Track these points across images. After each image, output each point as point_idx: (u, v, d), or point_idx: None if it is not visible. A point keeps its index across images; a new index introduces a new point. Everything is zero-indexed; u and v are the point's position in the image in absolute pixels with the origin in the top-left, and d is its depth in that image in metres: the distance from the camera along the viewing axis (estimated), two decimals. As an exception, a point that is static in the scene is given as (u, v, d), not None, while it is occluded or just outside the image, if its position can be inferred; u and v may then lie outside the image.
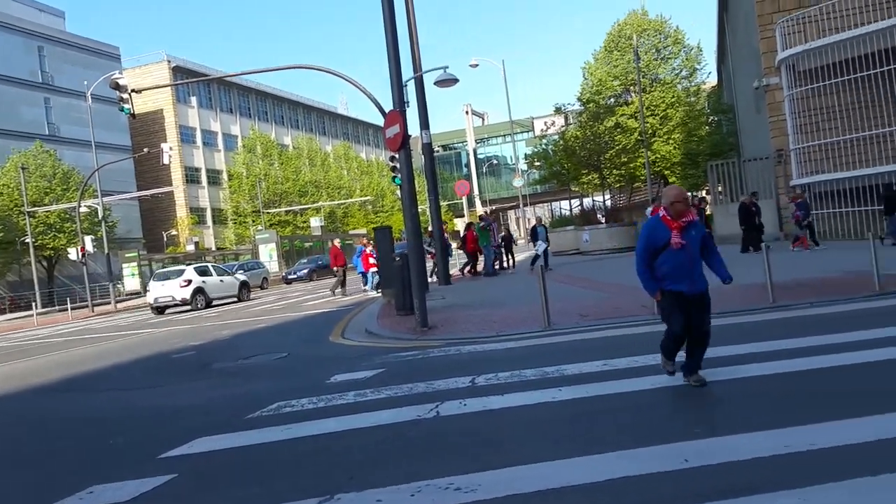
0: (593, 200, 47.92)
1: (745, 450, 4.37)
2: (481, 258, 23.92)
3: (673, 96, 43.42)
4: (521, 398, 6.43)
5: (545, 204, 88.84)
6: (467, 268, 24.73)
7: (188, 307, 26.02)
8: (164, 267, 36.20)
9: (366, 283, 24.29)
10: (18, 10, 54.11)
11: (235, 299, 28.51)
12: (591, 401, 6.15)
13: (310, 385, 8.27)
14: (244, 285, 29.57)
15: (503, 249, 25.70)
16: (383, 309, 16.27)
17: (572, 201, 54.80)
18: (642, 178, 42.73)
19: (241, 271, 35.88)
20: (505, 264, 25.87)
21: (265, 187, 67.15)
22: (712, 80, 52.92)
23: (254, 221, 65.88)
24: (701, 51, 46.08)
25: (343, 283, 24.71)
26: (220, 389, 9.13)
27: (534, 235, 23.52)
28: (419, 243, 13.04)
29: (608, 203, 47.64)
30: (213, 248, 64.74)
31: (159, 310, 26.39)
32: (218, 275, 28.60)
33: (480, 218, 24.77)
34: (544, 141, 49.93)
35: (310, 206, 69.61)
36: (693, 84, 46.01)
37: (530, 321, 11.43)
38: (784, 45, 23.25)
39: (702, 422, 5.29)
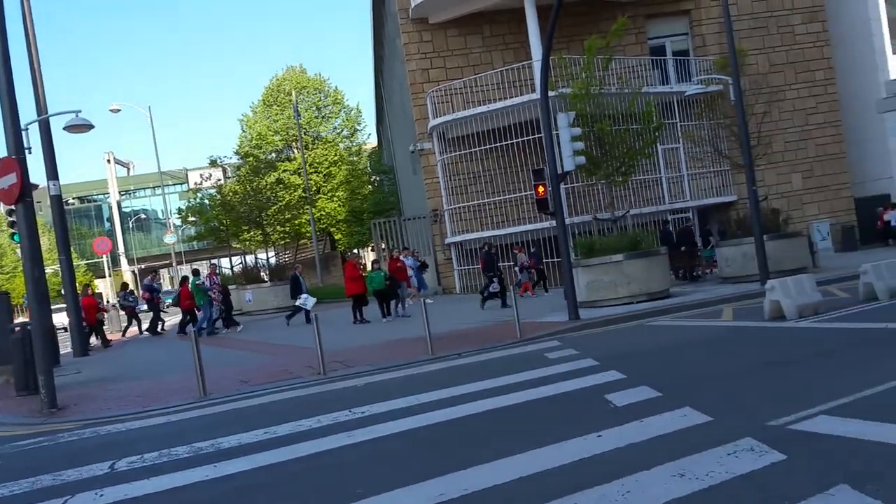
0: (256, 258, 46.60)
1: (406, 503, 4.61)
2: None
3: (336, 154, 44.53)
4: (170, 480, 5.82)
5: (203, 262, 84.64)
6: (186, 326, 21.75)
7: None
8: None
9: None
10: None
11: None
12: (250, 474, 5.79)
13: None
14: None
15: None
16: (-2, 390, 13.47)
17: (233, 259, 52.86)
18: (308, 234, 42.69)
19: None
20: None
21: None
22: (373, 142, 55.67)
23: None
24: (360, 112, 48.31)
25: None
26: None
27: (296, 288, 20.76)
28: (45, 311, 10.90)
29: (272, 261, 46.74)
30: None
31: None
32: None
33: (194, 273, 21.76)
34: (200, 194, 47.62)
35: None
36: (355, 144, 47.84)
37: (184, 392, 10.41)
38: (434, 113, 25.01)
39: (364, 481, 5.22)
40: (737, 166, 20.82)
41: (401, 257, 20.45)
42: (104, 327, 22.92)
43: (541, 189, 14.59)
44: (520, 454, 5.37)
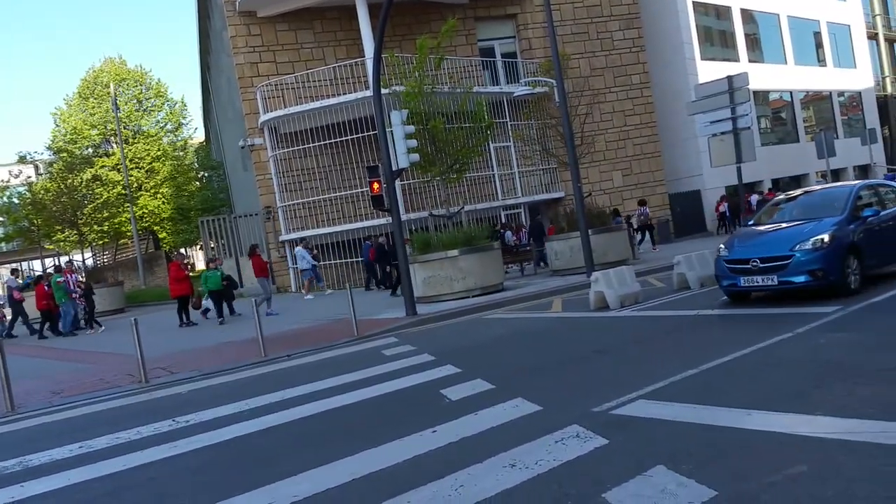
0: (71, 259, 43.24)
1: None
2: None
3: (159, 149, 42.24)
4: None
5: (13, 264, 77.33)
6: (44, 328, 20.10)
7: None
8: None
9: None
10: None
11: None
12: (61, 493, 5.41)
13: None
14: None
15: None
16: None
17: (46, 260, 48.75)
18: (129, 233, 40.33)
19: None
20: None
21: None
22: (200, 136, 53.28)
23: None
24: (185, 106, 46.11)
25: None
26: None
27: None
28: None
29: (89, 262, 43.54)
30: None
31: None
32: None
33: (56, 269, 19.51)
34: (7, 193, 43.52)
35: None
36: (180, 139, 45.55)
37: None
38: (265, 109, 24.22)
39: (187, 495, 5.05)
40: (563, 164, 21.82)
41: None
42: None
43: (376, 186, 14.52)
44: (353, 455, 5.29)
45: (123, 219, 39.47)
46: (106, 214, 38.41)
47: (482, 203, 24.50)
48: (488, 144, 22.71)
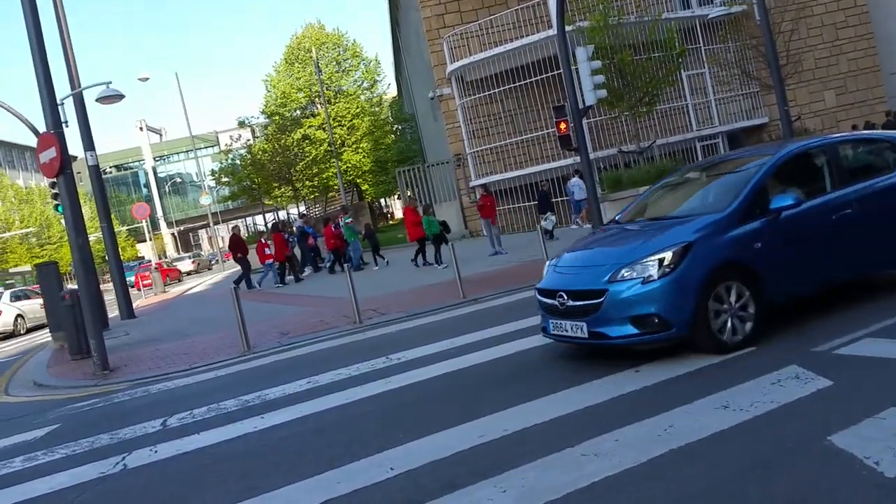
0: (288, 213, 47.33)
1: (446, 447, 4.52)
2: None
3: (357, 107, 44.58)
4: (220, 434, 5.93)
5: (239, 220, 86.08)
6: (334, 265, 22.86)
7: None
8: None
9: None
10: None
11: None
12: (297, 423, 5.87)
13: (-36, 457, 6.68)
14: None
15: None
16: (55, 356, 14.04)
17: (267, 215, 53.71)
18: (336, 187, 43.20)
19: None
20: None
21: None
22: (392, 91, 55.45)
23: None
24: (379, 63, 48.12)
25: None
26: None
27: (544, 203, 19.57)
28: (91, 278, 11.35)
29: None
30: None
31: None
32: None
33: (343, 209, 23.92)
34: (231, 155, 48.24)
35: (-48, 245, 58.94)
36: (375, 95, 47.73)
37: (227, 347, 10.69)
38: (452, 58, 24.75)
39: (404, 426, 5.24)
40: (766, 87, 20.34)
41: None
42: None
43: (563, 125, 14.46)
44: (556, 393, 5.29)
45: (330, 173, 42.26)
46: (315, 170, 41.51)
47: (675, 136, 23.49)
48: (680, 73, 21.66)
